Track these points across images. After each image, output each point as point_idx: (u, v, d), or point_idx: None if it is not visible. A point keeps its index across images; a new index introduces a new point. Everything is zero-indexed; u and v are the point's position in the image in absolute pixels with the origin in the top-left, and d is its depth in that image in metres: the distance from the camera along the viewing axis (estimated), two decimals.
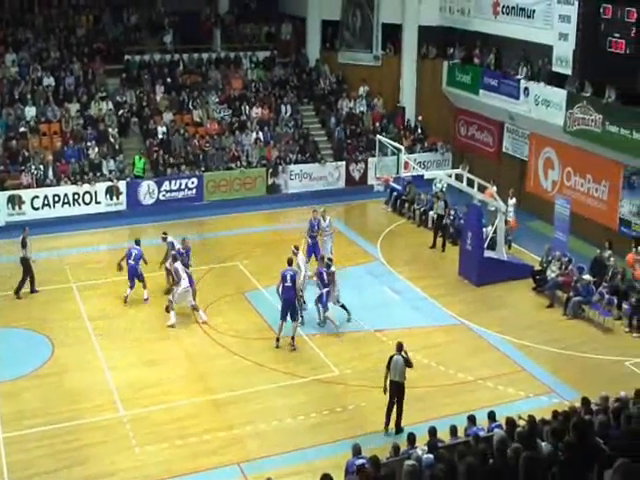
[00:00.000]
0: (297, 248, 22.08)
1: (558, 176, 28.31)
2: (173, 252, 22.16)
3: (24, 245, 22.79)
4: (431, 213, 28.34)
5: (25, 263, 22.83)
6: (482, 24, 31.42)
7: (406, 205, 30.00)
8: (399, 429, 16.51)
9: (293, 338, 20.15)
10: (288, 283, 20.09)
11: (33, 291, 23.07)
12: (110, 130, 31.36)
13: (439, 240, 26.96)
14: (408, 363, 16.53)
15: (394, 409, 16.62)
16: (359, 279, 24.23)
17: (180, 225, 27.57)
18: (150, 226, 26.64)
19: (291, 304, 20.15)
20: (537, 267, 24.08)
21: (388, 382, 16.52)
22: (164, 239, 23.05)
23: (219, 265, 24.70)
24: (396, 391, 16.53)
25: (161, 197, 30.05)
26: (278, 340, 20.17)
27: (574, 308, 22.00)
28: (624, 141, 24.58)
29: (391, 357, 16.58)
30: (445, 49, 34.27)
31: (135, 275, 22.32)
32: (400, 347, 16.66)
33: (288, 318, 20.15)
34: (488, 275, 23.86)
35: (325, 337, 20.88)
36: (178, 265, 21.49)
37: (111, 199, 29.62)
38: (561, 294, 22.85)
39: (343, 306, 21.52)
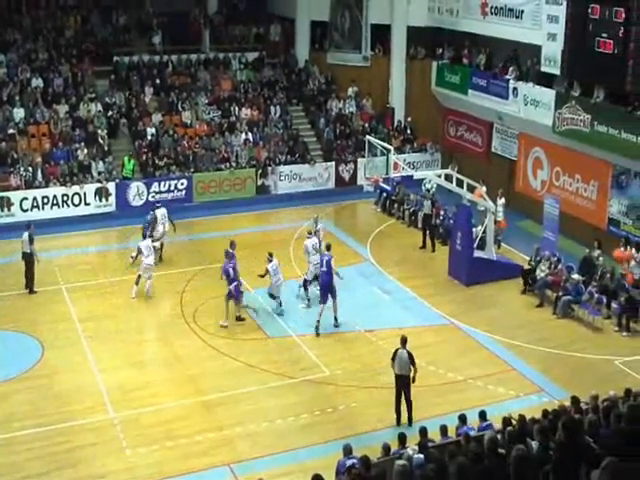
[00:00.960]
0: (310, 233, 23.29)
1: (547, 176, 28.40)
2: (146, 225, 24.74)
3: (32, 241, 23.00)
4: (421, 213, 28.38)
5: (29, 259, 22.95)
6: (471, 24, 31.48)
7: (395, 205, 30.05)
8: (411, 422, 16.72)
9: (317, 326, 20.96)
10: (324, 268, 21.17)
11: (27, 287, 23.13)
12: (99, 131, 31.26)
13: (429, 240, 27.01)
14: (412, 360, 16.73)
15: (402, 403, 16.88)
16: (349, 280, 24.17)
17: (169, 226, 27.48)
18: (140, 227, 26.52)
19: (327, 287, 21.16)
20: (525, 267, 24.07)
21: (394, 375, 16.76)
22: (152, 210, 25.46)
23: (209, 266, 24.63)
24: (402, 385, 16.76)
25: (150, 198, 29.94)
26: (318, 323, 20.91)
27: (564, 307, 22.07)
28: (613, 141, 24.67)
29: (396, 351, 16.79)
30: (434, 49, 34.31)
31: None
32: (404, 341, 16.87)
33: (329, 300, 21.21)
34: (478, 275, 23.91)
35: (316, 338, 20.90)
36: (147, 242, 23.22)
37: (100, 200, 29.56)
38: (550, 293, 22.92)
39: (272, 296, 22.08)
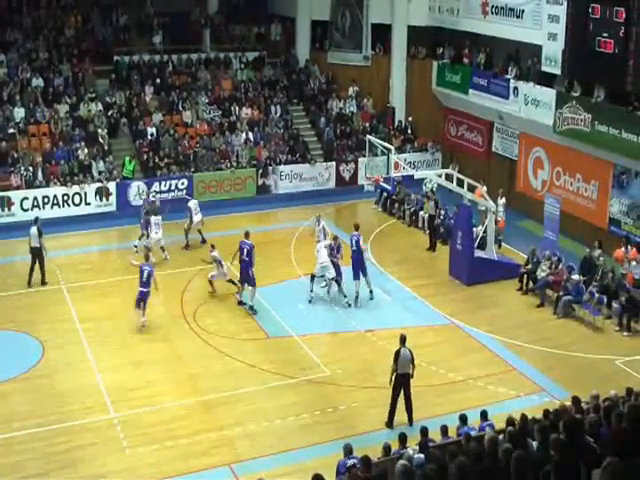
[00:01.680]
0: (319, 241, 23.89)
1: (548, 175, 28.39)
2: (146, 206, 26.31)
3: (40, 235, 23.16)
4: (421, 213, 28.40)
5: (38, 253, 23.08)
6: (471, 24, 31.46)
7: (396, 205, 30.02)
8: (411, 422, 16.73)
9: (372, 293, 23.00)
10: (354, 247, 22.82)
11: (30, 283, 23.26)
12: (99, 131, 31.26)
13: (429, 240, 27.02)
14: (412, 358, 16.77)
15: (401, 403, 16.83)
16: (349, 279, 24.15)
17: (169, 226, 27.45)
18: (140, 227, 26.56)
19: (358, 264, 22.74)
20: (522, 269, 23.94)
21: (394, 376, 16.69)
22: (187, 201, 27.17)
23: (209, 266, 24.62)
24: (404, 383, 16.74)
25: (152, 197, 29.87)
26: (357, 294, 22.67)
27: (564, 307, 22.05)
28: (613, 140, 24.67)
29: (398, 351, 16.74)
30: (434, 49, 34.30)
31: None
32: (404, 339, 16.86)
33: (361, 276, 22.80)
34: (478, 275, 23.89)
35: (316, 338, 20.91)
36: (151, 218, 25.06)
37: (101, 200, 29.56)
38: (551, 293, 22.89)
39: (231, 281, 22.97)
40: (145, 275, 20.89)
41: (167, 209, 26.35)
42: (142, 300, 20.91)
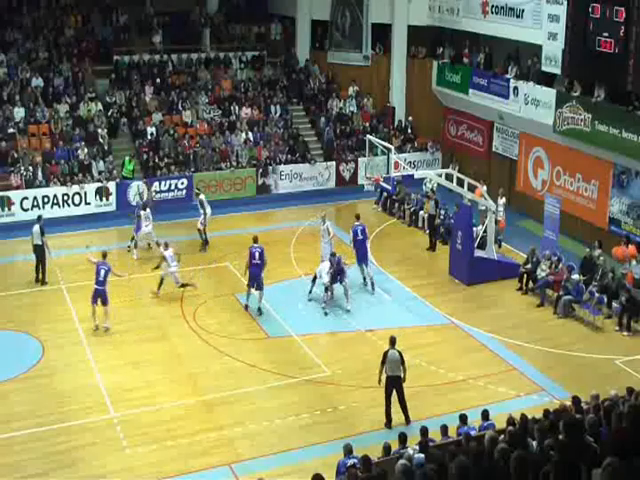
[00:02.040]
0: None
1: (548, 175, 28.38)
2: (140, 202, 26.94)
3: (43, 233, 23.26)
4: (421, 213, 28.39)
5: (41, 251, 23.16)
6: (471, 24, 31.43)
7: (396, 205, 30.01)
8: (408, 420, 16.69)
9: (373, 282, 23.48)
10: (359, 236, 23.48)
11: (37, 280, 23.35)
12: (99, 131, 31.25)
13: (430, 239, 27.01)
14: (402, 360, 16.67)
15: (395, 405, 16.76)
16: (349, 279, 24.19)
17: (170, 226, 27.50)
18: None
19: (364, 253, 23.52)
20: (522, 269, 23.93)
21: (384, 377, 16.65)
22: (197, 194, 27.53)
23: (209, 266, 24.66)
24: (395, 386, 16.67)
25: (154, 198, 29.87)
26: (365, 280, 23.62)
27: (564, 307, 22.04)
28: (613, 140, 24.66)
29: (386, 352, 16.69)
30: (434, 49, 34.29)
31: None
32: (393, 341, 16.79)
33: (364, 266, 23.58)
34: (478, 275, 23.87)
35: (316, 337, 20.89)
36: (141, 212, 25.47)
37: (101, 200, 29.56)
38: (551, 293, 22.88)
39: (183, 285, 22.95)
40: (102, 274, 20.80)
41: (151, 204, 26.47)
42: (98, 297, 20.78)
